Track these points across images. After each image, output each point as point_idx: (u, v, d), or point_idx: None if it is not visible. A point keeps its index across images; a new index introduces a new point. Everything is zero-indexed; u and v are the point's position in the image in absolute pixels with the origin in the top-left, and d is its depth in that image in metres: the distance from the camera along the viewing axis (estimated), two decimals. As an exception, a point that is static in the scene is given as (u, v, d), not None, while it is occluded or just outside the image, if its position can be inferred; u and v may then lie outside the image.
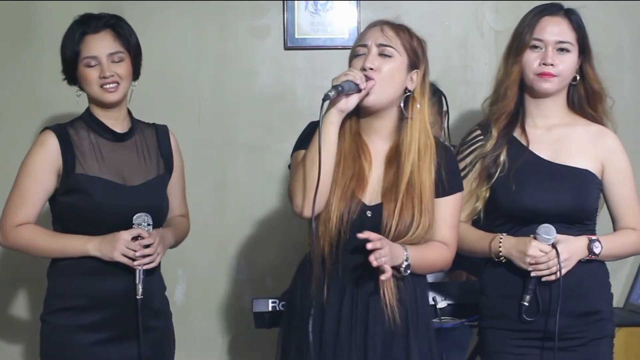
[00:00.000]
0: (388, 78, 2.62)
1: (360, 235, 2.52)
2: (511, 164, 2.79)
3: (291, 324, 2.72)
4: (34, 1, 3.89)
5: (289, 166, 2.81)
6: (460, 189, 2.74)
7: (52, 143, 2.82)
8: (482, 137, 2.86)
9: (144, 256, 2.75)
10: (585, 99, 2.85)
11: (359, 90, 2.56)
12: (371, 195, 2.66)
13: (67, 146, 2.82)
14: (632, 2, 4.04)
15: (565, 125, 2.84)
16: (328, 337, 2.62)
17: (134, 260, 2.74)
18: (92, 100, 2.89)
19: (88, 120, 2.89)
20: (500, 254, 2.74)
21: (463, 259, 3.28)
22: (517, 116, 2.85)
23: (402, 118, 2.68)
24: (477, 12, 4.01)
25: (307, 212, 2.57)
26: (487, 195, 2.81)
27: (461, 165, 2.85)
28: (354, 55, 2.69)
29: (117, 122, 2.90)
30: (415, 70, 2.67)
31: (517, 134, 2.84)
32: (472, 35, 4.00)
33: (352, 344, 2.61)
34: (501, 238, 2.75)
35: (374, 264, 2.50)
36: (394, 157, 2.67)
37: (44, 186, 2.82)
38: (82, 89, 2.90)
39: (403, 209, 2.61)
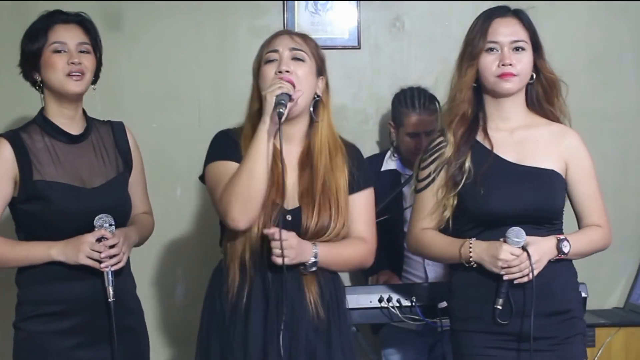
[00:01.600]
0: (304, 81, 2.69)
1: (266, 231, 2.58)
2: (477, 169, 2.79)
3: (211, 329, 2.74)
4: (33, 1, 3.88)
5: (201, 177, 2.81)
6: (371, 183, 2.81)
7: (5, 151, 2.74)
8: (444, 143, 2.86)
9: (111, 257, 2.70)
10: (543, 95, 2.86)
11: (291, 100, 2.62)
12: (289, 199, 2.70)
13: (22, 153, 2.75)
14: (632, 2, 4.04)
15: (526, 126, 2.84)
16: (254, 337, 2.64)
17: (100, 262, 2.69)
18: (51, 93, 2.81)
19: (42, 123, 2.82)
20: (471, 259, 2.74)
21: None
22: (477, 121, 2.86)
23: (311, 123, 2.75)
24: (477, 12, 3.97)
25: (243, 225, 2.62)
26: (455, 202, 2.81)
27: (425, 172, 2.86)
28: (265, 61, 2.73)
29: (72, 122, 2.83)
30: (321, 77, 2.76)
31: (480, 138, 2.84)
32: (472, 35, 4.00)
33: (280, 342, 2.62)
34: (471, 243, 2.75)
35: (275, 260, 2.58)
36: (306, 161, 2.73)
37: (1, 195, 2.74)
38: (37, 85, 2.83)
39: (321, 210, 2.68)
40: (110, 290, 2.70)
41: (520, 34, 2.82)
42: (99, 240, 2.69)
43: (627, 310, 4.01)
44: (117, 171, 2.86)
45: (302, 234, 2.66)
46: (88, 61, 2.80)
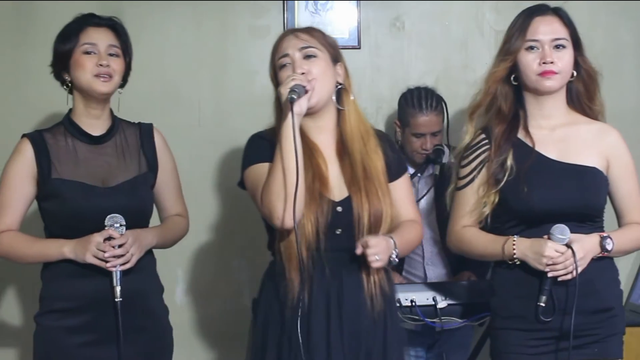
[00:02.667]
0: (322, 75, 2.69)
1: (359, 251, 2.59)
2: (519, 166, 2.80)
3: (267, 332, 2.72)
4: (33, 1, 3.89)
5: (239, 183, 2.80)
6: (406, 169, 2.88)
7: (27, 150, 2.84)
8: (486, 140, 2.88)
9: (117, 257, 2.72)
10: (584, 92, 2.88)
11: (306, 92, 2.62)
12: (335, 191, 2.70)
13: (42, 152, 2.83)
14: (633, 2, 4.04)
15: (568, 124, 2.86)
16: (319, 340, 2.64)
17: (106, 262, 2.72)
18: (79, 93, 2.87)
19: (67, 124, 2.89)
20: (515, 256, 2.75)
21: (467, 260, 3.29)
22: (517, 119, 2.87)
23: (338, 112, 2.75)
24: (478, 12, 4.01)
25: (289, 222, 2.60)
26: (496, 199, 2.83)
27: (465, 170, 2.88)
28: (278, 67, 2.73)
29: (97, 123, 2.89)
30: (339, 63, 2.76)
31: (521, 135, 2.86)
32: (473, 35, 4.01)
33: (344, 345, 2.64)
34: (514, 240, 2.76)
35: (376, 265, 2.60)
36: (343, 150, 2.74)
37: (23, 194, 2.84)
38: (67, 85, 2.88)
39: (369, 194, 2.68)
40: (117, 290, 2.73)
41: (561, 31, 2.83)
42: (107, 239, 2.72)
43: (627, 310, 3.99)
44: (138, 171, 2.90)
45: (355, 223, 2.66)
46: (116, 64, 2.86)
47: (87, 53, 2.84)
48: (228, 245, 3.95)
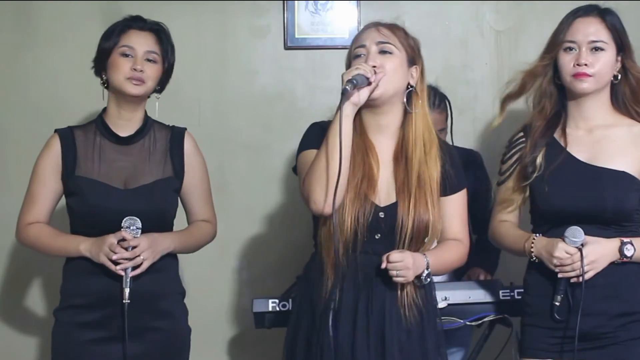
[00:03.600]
0: (392, 72, 2.65)
1: (383, 266, 2.57)
2: (547, 165, 2.82)
3: (301, 325, 2.73)
4: (33, 1, 3.88)
5: (294, 168, 2.81)
6: (465, 184, 2.79)
7: (55, 146, 2.91)
8: (524, 139, 2.91)
9: (127, 260, 2.76)
10: (631, 97, 2.86)
11: (369, 84, 2.58)
12: (382, 195, 2.67)
13: (69, 148, 2.88)
14: (633, 2, 4.04)
15: (608, 126, 2.85)
16: (344, 339, 2.63)
17: (116, 263, 2.76)
18: (112, 93, 2.92)
19: (98, 123, 2.94)
20: (532, 254, 2.80)
21: (478, 257, 3.30)
22: (558, 119, 2.88)
23: (405, 114, 2.70)
24: (478, 12, 4.01)
25: (328, 209, 2.56)
26: (526, 194, 2.87)
27: (505, 166, 2.92)
28: (353, 57, 2.70)
29: (128, 124, 2.93)
30: (415, 66, 2.71)
31: (557, 135, 2.87)
32: (473, 35, 4.00)
33: (369, 346, 2.62)
34: (534, 238, 2.80)
35: (397, 280, 2.59)
36: (401, 155, 2.69)
37: (51, 187, 2.90)
38: (104, 83, 2.92)
39: (417, 204, 2.64)
40: (126, 292, 2.77)
41: (601, 34, 2.82)
42: (121, 241, 2.76)
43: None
44: (161, 175, 2.92)
45: (399, 231, 2.63)
46: (152, 70, 2.90)
47: (125, 55, 2.88)
48: (228, 245, 3.95)
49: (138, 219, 2.78)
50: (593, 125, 2.85)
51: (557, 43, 2.84)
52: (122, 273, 2.76)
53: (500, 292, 3.15)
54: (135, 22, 2.93)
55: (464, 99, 3.94)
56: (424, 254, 2.64)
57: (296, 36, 3.91)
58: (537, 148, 2.85)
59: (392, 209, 2.65)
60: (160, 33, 2.94)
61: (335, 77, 2.85)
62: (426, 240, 2.67)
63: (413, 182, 2.65)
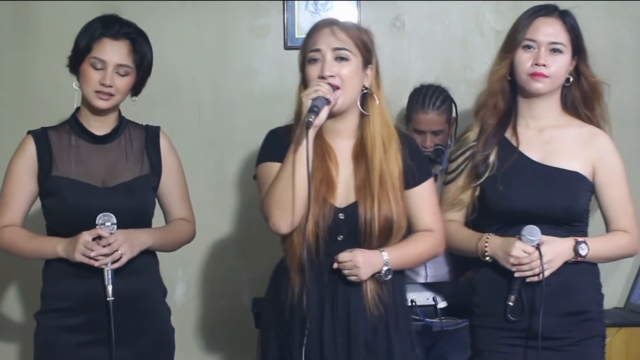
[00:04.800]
0: (349, 82, 2.63)
1: (335, 266, 2.58)
2: (500, 164, 2.80)
3: (271, 326, 2.73)
4: (33, 1, 3.88)
5: (255, 177, 2.80)
6: (430, 174, 2.78)
7: (30, 147, 2.87)
8: (476, 137, 2.88)
9: (105, 256, 2.71)
10: (581, 100, 2.86)
11: (328, 103, 2.57)
12: (341, 197, 2.66)
13: (45, 149, 2.84)
14: (632, 2, 4.04)
15: (557, 126, 2.84)
16: (313, 343, 2.62)
17: (95, 260, 2.72)
18: (84, 99, 2.88)
19: (72, 123, 2.90)
20: (486, 253, 2.77)
21: (472, 260, 3.29)
22: (509, 117, 2.86)
23: (362, 115, 2.69)
24: (478, 11, 4.01)
25: (286, 230, 2.60)
26: (476, 193, 2.83)
27: (453, 165, 2.89)
28: (307, 60, 2.67)
29: (103, 124, 2.90)
30: (370, 66, 2.70)
31: (508, 134, 2.85)
32: (473, 35, 4.00)
33: (337, 347, 2.62)
34: (487, 238, 2.77)
35: (352, 279, 2.59)
36: (361, 154, 2.68)
37: (25, 190, 2.86)
38: (79, 83, 2.89)
39: (381, 202, 2.63)
40: (109, 289, 2.72)
41: (561, 35, 2.81)
42: (96, 238, 2.72)
43: (627, 310, 4.00)
44: (139, 173, 2.89)
45: (362, 230, 2.62)
46: (122, 83, 2.84)
47: (95, 68, 2.82)
48: (228, 245, 3.95)
49: (113, 215, 2.74)
50: (543, 125, 2.84)
51: (516, 40, 2.81)
52: (104, 267, 2.71)
53: (500, 292, 3.14)
54: (110, 30, 2.84)
55: (465, 99, 3.93)
56: (382, 250, 2.63)
57: (296, 36, 3.91)
58: (489, 146, 2.83)
59: (352, 209, 2.64)
60: (134, 42, 2.87)
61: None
62: (395, 237, 2.65)
63: (375, 181, 2.63)
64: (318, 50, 2.64)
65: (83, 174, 2.83)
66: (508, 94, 2.86)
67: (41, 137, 2.87)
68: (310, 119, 2.51)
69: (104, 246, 2.71)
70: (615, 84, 4.11)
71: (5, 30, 3.89)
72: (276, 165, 2.64)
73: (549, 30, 2.80)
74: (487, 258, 2.77)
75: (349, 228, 2.62)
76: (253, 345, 3.85)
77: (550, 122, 2.84)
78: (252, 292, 3.83)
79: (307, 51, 2.67)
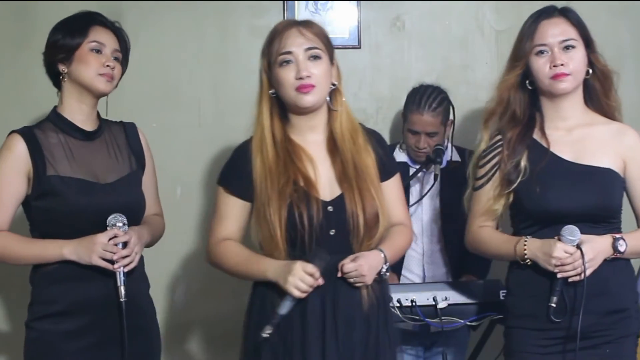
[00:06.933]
0: (323, 80, 2.68)
1: (339, 275, 2.60)
2: (533, 167, 2.82)
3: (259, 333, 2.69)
4: (33, 1, 3.88)
5: (218, 182, 2.79)
6: (397, 167, 2.84)
7: (19, 147, 2.77)
8: (502, 142, 2.89)
9: (123, 257, 2.70)
10: (601, 89, 2.88)
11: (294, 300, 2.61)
12: (326, 190, 2.68)
13: (35, 148, 2.77)
14: (632, 2, 4.04)
15: (585, 125, 2.86)
16: (313, 339, 2.62)
17: (113, 262, 2.69)
18: (74, 88, 2.84)
19: (55, 120, 2.85)
20: (526, 256, 2.77)
21: (469, 263, 3.30)
22: (533, 121, 2.88)
23: (329, 110, 2.74)
24: (478, 11, 4.01)
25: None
26: (509, 200, 2.85)
27: (482, 171, 2.90)
28: (279, 63, 2.69)
29: (87, 120, 2.86)
30: (333, 62, 2.75)
31: (537, 137, 2.87)
32: (473, 35, 4.00)
33: (338, 337, 2.62)
34: (526, 241, 2.78)
35: (359, 285, 2.62)
36: (334, 147, 2.72)
37: (15, 192, 2.76)
38: (59, 76, 2.85)
39: (362, 193, 2.66)
40: (122, 290, 2.70)
41: (569, 32, 2.83)
42: (111, 239, 2.70)
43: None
44: (130, 169, 2.88)
45: (349, 222, 2.63)
46: (118, 69, 2.86)
47: (96, 51, 2.83)
48: (228, 245, 3.95)
49: (123, 216, 2.72)
50: (571, 124, 2.86)
51: (525, 50, 2.83)
52: (118, 270, 2.69)
53: (501, 292, 3.15)
54: (99, 19, 2.88)
55: (465, 99, 3.94)
56: (381, 249, 2.66)
57: (296, 36, 3.91)
58: (518, 153, 2.84)
59: (339, 200, 2.66)
60: (121, 33, 2.91)
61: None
62: (382, 228, 2.67)
63: (351, 173, 2.67)
64: (289, 52, 2.68)
65: (78, 172, 2.78)
66: (526, 102, 2.88)
67: (29, 135, 2.78)
68: (267, 333, 2.59)
69: (119, 245, 2.70)
70: (614, 84, 4.13)
71: (5, 30, 3.89)
72: (232, 200, 2.71)
73: (556, 30, 2.82)
74: (527, 261, 2.77)
75: (339, 221, 2.64)
76: (253, 345, 3.85)
77: (577, 121, 2.86)
78: (252, 292, 3.82)
79: (274, 55, 2.70)
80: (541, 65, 2.81)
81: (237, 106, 3.96)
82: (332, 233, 2.65)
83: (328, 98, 2.72)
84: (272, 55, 2.71)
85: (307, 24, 2.74)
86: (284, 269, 2.59)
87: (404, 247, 2.82)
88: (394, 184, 2.80)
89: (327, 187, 2.69)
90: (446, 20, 4.00)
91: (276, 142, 2.71)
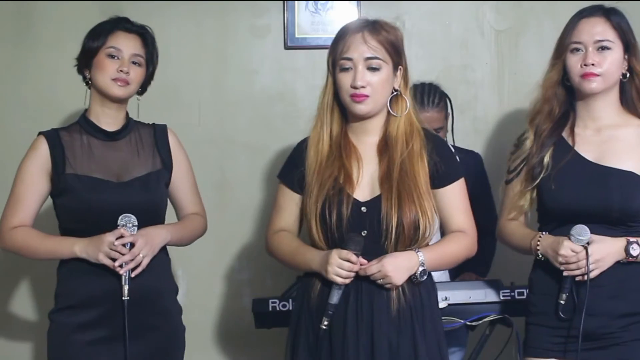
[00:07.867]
0: (380, 89, 2.68)
1: (361, 273, 2.61)
2: (554, 164, 2.83)
3: (301, 326, 2.72)
4: (33, 1, 3.88)
5: (279, 176, 2.84)
6: (461, 173, 2.78)
7: (42, 147, 2.89)
8: (533, 136, 2.90)
9: (128, 262, 2.76)
10: (637, 96, 2.86)
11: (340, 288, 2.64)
12: (365, 191, 2.68)
13: (57, 148, 2.88)
14: (633, 3, 4.03)
15: (616, 126, 2.85)
16: (335, 337, 2.63)
17: (119, 266, 2.76)
18: (96, 92, 2.92)
19: (82, 122, 2.95)
20: (538, 251, 2.80)
21: (470, 261, 3.29)
22: (566, 118, 2.88)
23: (390, 112, 2.73)
24: (478, 11, 4.01)
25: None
26: (533, 195, 2.87)
27: (513, 165, 2.92)
28: (339, 68, 2.69)
29: (113, 121, 2.94)
30: (399, 67, 2.74)
31: (565, 135, 2.87)
32: (473, 34, 4.00)
33: (359, 346, 2.61)
34: (540, 236, 2.81)
35: (388, 287, 2.62)
36: (385, 149, 2.71)
37: (37, 189, 2.88)
38: (87, 82, 2.93)
39: (401, 198, 2.63)
40: (125, 289, 2.76)
41: (606, 33, 2.81)
42: (119, 238, 2.76)
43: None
44: (152, 168, 2.94)
45: (384, 226, 2.62)
46: (136, 73, 2.91)
47: (112, 57, 2.89)
48: (228, 245, 3.95)
49: (133, 216, 2.79)
50: (601, 125, 2.85)
51: (564, 46, 2.84)
52: (123, 272, 2.76)
53: (501, 292, 3.16)
54: (122, 24, 2.94)
55: (464, 99, 3.94)
56: (417, 250, 2.64)
57: (296, 36, 3.91)
58: (545, 148, 2.85)
59: (375, 202, 2.65)
60: (146, 36, 2.96)
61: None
62: (423, 235, 2.65)
63: (395, 177, 2.65)
64: (350, 59, 2.67)
65: (96, 170, 2.87)
66: (563, 98, 2.88)
67: (53, 136, 2.91)
68: (324, 326, 2.61)
69: (126, 246, 2.75)
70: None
71: (5, 30, 3.89)
72: (289, 193, 2.76)
73: (594, 30, 2.81)
74: (540, 256, 2.80)
75: (370, 222, 2.63)
76: (253, 345, 3.86)
77: (609, 121, 2.85)
78: (252, 292, 3.83)
79: (338, 56, 2.69)
80: (574, 63, 2.81)
81: (237, 106, 3.96)
82: (363, 234, 2.63)
83: (388, 104, 2.71)
84: (335, 55, 2.71)
85: (374, 30, 2.71)
86: (324, 259, 2.63)
87: (455, 254, 2.75)
88: (454, 191, 2.74)
89: (367, 187, 2.69)
90: (446, 20, 4.00)
91: (332, 138, 2.72)
